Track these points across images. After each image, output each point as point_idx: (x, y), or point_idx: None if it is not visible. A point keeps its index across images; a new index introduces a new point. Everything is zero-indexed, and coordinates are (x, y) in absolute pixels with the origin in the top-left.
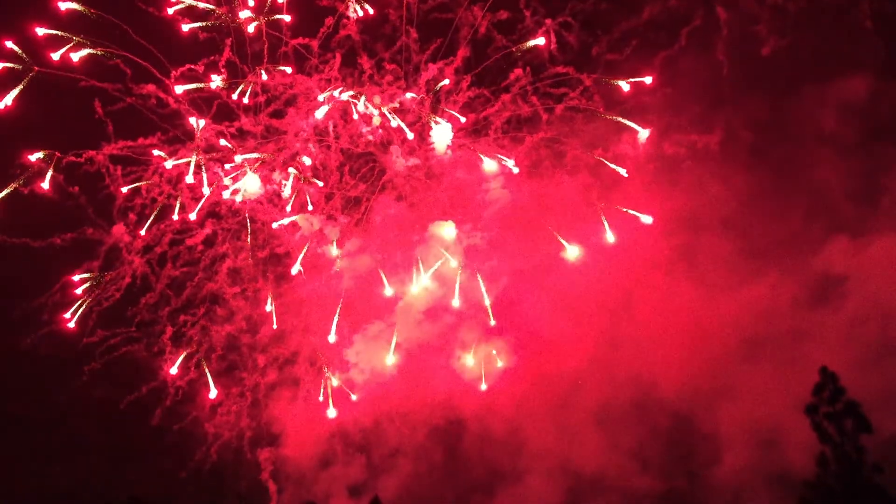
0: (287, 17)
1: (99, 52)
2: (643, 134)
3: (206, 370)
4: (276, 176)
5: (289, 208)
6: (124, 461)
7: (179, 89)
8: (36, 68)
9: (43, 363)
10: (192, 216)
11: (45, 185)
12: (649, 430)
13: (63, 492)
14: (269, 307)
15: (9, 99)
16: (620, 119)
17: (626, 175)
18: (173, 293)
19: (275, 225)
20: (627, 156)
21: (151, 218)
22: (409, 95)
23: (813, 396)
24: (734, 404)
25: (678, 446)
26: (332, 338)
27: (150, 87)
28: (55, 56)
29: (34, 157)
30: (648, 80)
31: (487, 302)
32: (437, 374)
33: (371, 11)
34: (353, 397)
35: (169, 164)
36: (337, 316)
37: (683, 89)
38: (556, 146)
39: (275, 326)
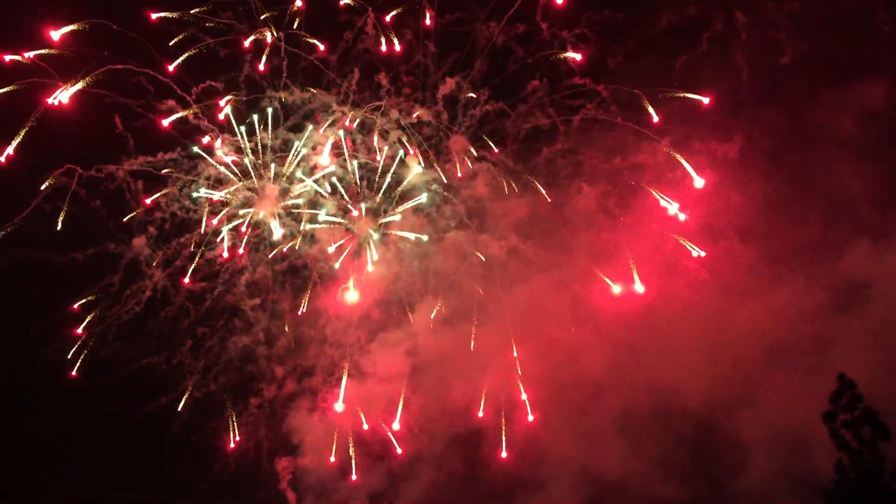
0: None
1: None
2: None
3: (232, 423)
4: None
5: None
6: (143, 471)
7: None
8: (61, 84)
9: (63, 375)
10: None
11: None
12: (672, 437)
13: (84, 501)
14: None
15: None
16: (639, 128)
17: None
18: (193, 305)
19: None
20: (647, 164)
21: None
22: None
23: (830, 404)
24: (757, 411)
25: (701, 453)
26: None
27: (171, 103)
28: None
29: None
30: (706, 100)
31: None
32: (456, 382)
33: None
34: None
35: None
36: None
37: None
38: (574, 156)
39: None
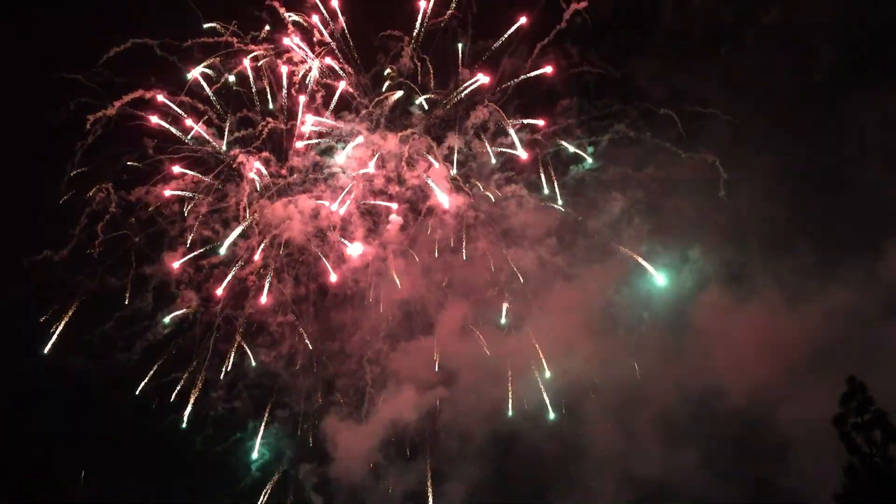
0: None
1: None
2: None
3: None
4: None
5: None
6: (168, 484)
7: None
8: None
9: (91, 386)
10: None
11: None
12: (717, 437)
13: None
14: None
15: None
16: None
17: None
18: (218, 320)
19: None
20: (680, 177)
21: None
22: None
23: (840, 407)
24: (802, 412)
25: (746, 454)
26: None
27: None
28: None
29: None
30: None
31: None
32: (490, 385)
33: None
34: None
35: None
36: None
37: (735, 111)
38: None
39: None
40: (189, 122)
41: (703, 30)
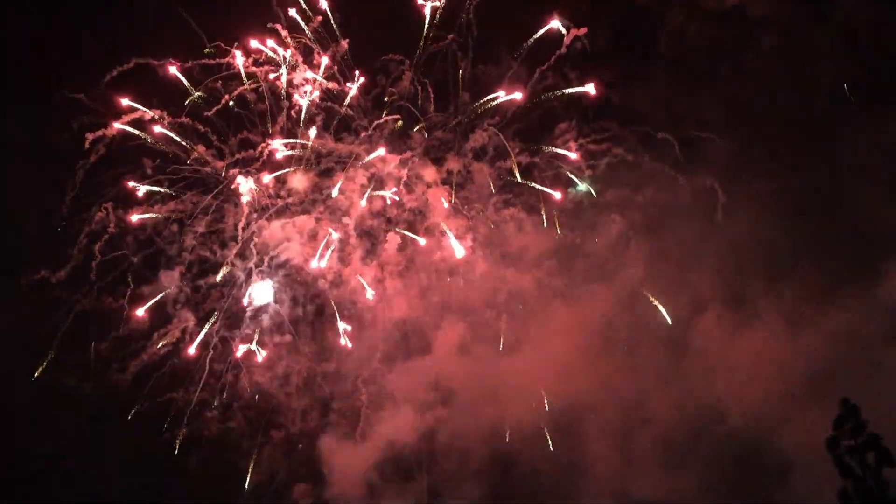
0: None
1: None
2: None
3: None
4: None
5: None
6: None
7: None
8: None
9: (87, 404)
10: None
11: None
12: (716, 459)
13: None
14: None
15: None
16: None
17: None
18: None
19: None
20: (679, 200)
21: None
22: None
23: (834, 430)
24: (802, 435)
25: (746, 477)
26: None
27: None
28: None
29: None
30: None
31: None
32: (483, 408)
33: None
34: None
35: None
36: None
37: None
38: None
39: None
40: (188, 143)
41: (702, 55)
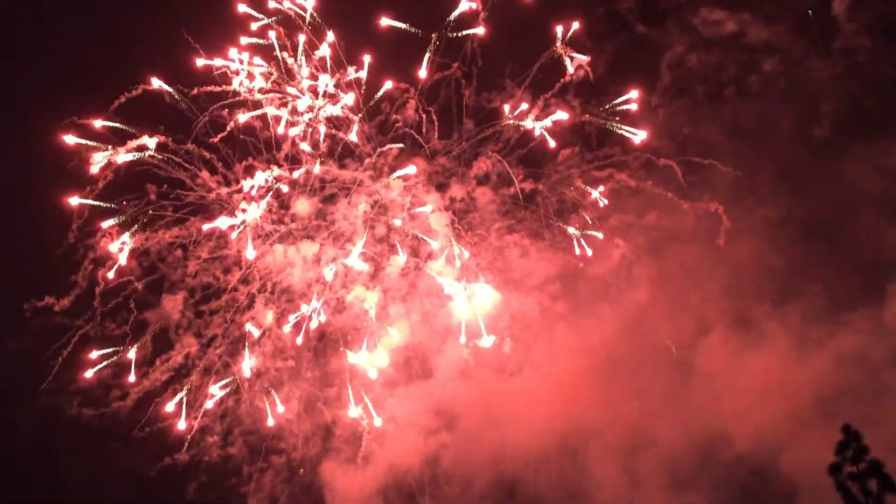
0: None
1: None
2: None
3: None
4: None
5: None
6: None
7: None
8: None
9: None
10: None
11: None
12: (722, 484)
13: None
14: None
15: None
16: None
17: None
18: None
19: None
20: (683, 225)
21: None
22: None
23: (836, 455)
24: (808, 459)
25: (752, 501)
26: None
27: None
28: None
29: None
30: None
31: None
32: (491, 430)
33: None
34: None
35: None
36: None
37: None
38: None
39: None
40: (194, 168)
41: (705, 81)
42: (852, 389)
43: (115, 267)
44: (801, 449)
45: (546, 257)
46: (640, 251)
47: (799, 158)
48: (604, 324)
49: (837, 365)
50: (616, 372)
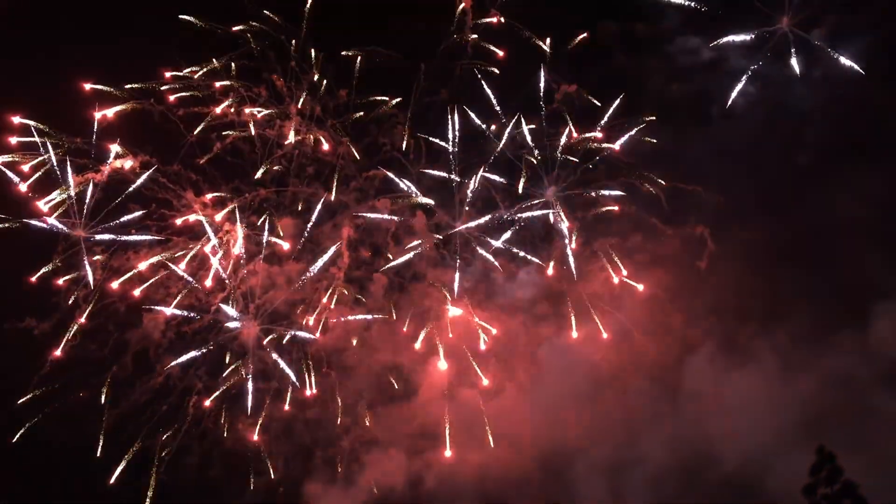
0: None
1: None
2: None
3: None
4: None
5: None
6: None
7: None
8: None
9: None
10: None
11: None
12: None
13: None
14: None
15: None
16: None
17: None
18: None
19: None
20: (666, 248)
21: None
22: None
23: (810, 476)
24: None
25: None
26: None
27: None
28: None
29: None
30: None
31: None
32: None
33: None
34: None
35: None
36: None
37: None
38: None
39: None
40: (180, 190)
41: (690, 107)
42: (837, 411)
43: (96, 287)
44: (784, 469)
45: (531, 279)
46: (626, 273)
47: (784, 184)
48: (588, 344)
49: (822, 386)
50: (601, 392)
